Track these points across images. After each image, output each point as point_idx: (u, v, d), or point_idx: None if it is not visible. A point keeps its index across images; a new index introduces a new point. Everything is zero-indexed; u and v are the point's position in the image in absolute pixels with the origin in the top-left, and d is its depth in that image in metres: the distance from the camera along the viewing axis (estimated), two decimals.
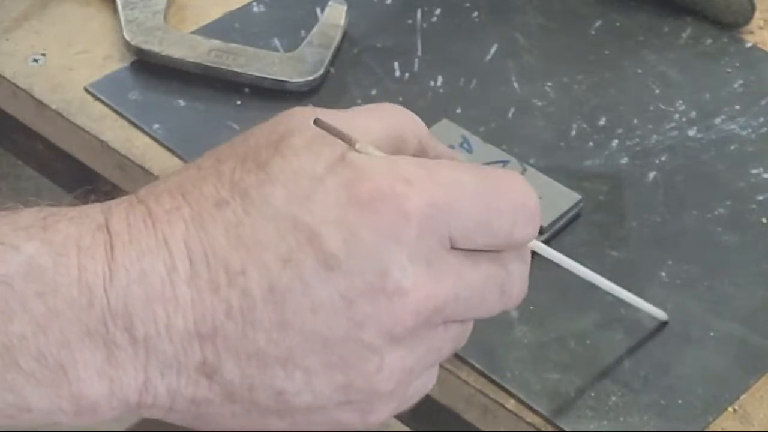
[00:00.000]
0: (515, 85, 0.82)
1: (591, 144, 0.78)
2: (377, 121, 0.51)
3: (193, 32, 0.84)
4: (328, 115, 0.50)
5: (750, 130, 0.79)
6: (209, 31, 0.85)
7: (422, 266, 0.47)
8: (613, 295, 0.68)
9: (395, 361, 0.48)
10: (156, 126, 0.78)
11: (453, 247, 0.48)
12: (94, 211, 0.49)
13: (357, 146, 0.48)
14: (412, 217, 0.46)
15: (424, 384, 0.52)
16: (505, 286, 0.50)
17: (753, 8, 0.85)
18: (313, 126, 0.49)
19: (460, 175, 0.48)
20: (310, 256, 0.46)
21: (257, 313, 0.46)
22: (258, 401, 0.48)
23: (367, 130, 0.50)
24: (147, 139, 0.78)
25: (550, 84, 0.82)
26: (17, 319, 0.45)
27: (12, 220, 0.48)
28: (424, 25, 0.86)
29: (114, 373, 0.46)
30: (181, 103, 0.80)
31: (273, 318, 0.46)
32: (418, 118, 0.53)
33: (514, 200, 0.49)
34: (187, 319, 0.46)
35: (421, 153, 0.52)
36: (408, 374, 0.49)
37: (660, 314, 0.66)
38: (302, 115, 0.50)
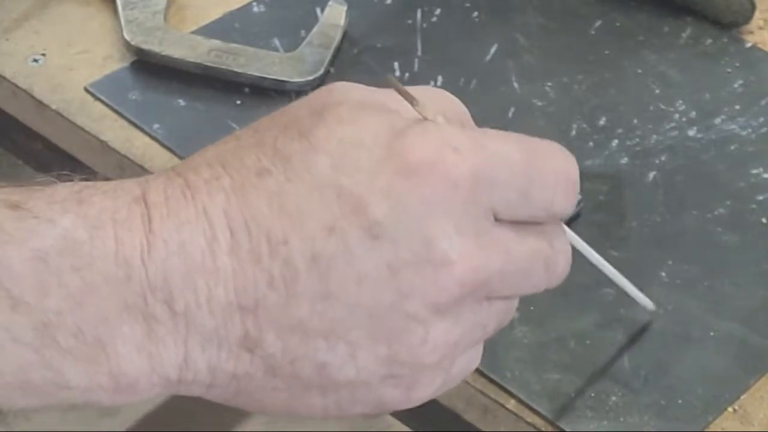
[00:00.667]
0: (515, 85, 0.82)
1: (591, 144, 0.78)
2: (430, 94, 0.50)
3: (193, 32, 0.84)
4: (369, 89, 0.49)
5: (750, 130, 0.79)
6: (209, 31, 0.85)
7: (469, 236, 0.46)
8: (612, 294, 0.69)
9: (440, 333, 0.47)
10: (156, 126, 0.78)
11: (497, 220, 0.47)
12: (130, 184, 0.48)
13: (418, 107, 0.47)
14: (460, 185, 0.46)
15: (469, 363, 0.51)
16: (549, 261, 0.50)
17: (753, 8, 0.85)
18: (357, 94, 0.48)
19: (505, 145, 0.48)
20: (355, 224, 0.45)
21: (300, 284, 0.45)
22: (300, 375, 0.47)
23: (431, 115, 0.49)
24: (147, 139, 0.78)
25: (550, 84, 0.82)
26: (53, 295, 0.44)
27: (46, 194, 0.46)
28: (424, 25, 0.86)
29: (154, 348, 0.45)
30: (181, 103, 0.80)
31: (316, 288, 0.45)
32: (459, 101, 0.52)
33: (555, 170, 0.49)
34: (228, 290, 0.45)
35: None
36: (453, 348, 0.48)
37: (648, 304, 0.66)
38: (345, 86, 0.49)
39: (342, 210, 0.45)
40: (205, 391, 0.48)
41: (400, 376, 0.47)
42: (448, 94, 0.52)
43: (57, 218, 0.45)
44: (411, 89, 0.50)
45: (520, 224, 0.48)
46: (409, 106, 0.48)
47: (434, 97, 0.51)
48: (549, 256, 0.50)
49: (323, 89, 0.50)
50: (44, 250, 0.45)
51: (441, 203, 0.46)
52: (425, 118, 0.48)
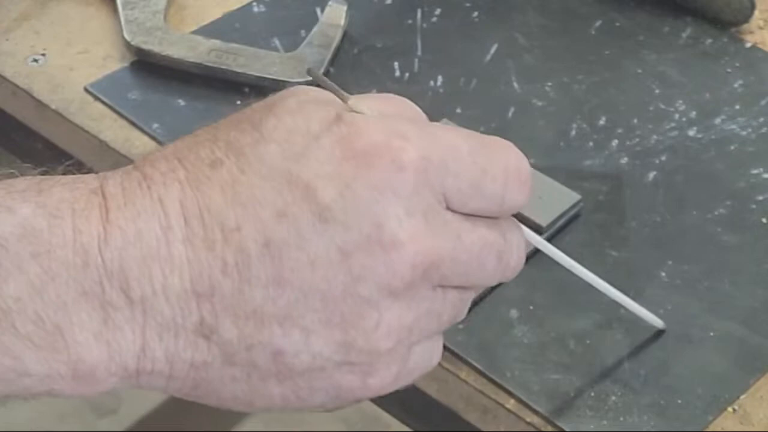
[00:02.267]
0: (515, 85, 0.82)
1: (591, 144, 0.78)
2: (376, 103, 0.51)
3: (193, 32, 0.84)
4: (324, 92, 0.50)
5: (750, 130, 0.79)
6: (209, 31, 0.85)
7: (419, 219, 0.47)
8: (610, 298, 0.69)
9: (393, 317, 0.48)
10: (156, 126, 0.78)
11: (449, 208, 0.48)
12: (89, 177, 0.49)
13: (349, 102, 0.48)
14: (408, 168, 0.47)
15: (427, 355, 0.51)
16: (503, 254, 0.50)
17: (753, 7, 0.85)
18: (308, 91, 0.49)
19: (456, 138, 0.49)
20: (305, 209, 0.46)
21: (253, 269, 0.46)
22: (257, 362, 0.47)
23: (359, 107, 0.50)
24: (147, 139, 0.78)
25: (550, 84, 0.82)
26: (12, 281, 0.45)
27: (7, 185, 0.48)
28: (424, 25, 0.86)
29: (111, 335, 0.46)
30: (181, 103, 0.80)
31: (269, 273, 0.46)
32: (419, 109, 0.53)
33: (507, 164, 0.50)
34: (183, 278, 0.46)
35: None
36: (407, 333, 0.48)
37: (657, 322, 0.66)
38: (299, 87, 0.51)
39: (292, 196, 0.46)
40: (165, 382, 0.48)
41: (355, 362, 0.48)
42: (405, 100, 0.53)
43: (17, 207, 0.46)
44: (370, 95, 0.51)
45: (472, 215, 0.49)
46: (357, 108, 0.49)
47: (388, 102, 0.52)
48: (502, 248, 0.50)
49: (277, 93, 0.51)
50: (4, 237, 0.46)
51: (389, 186, 0.46)
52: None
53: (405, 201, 0.47)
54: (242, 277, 0.46)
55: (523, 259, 0.52)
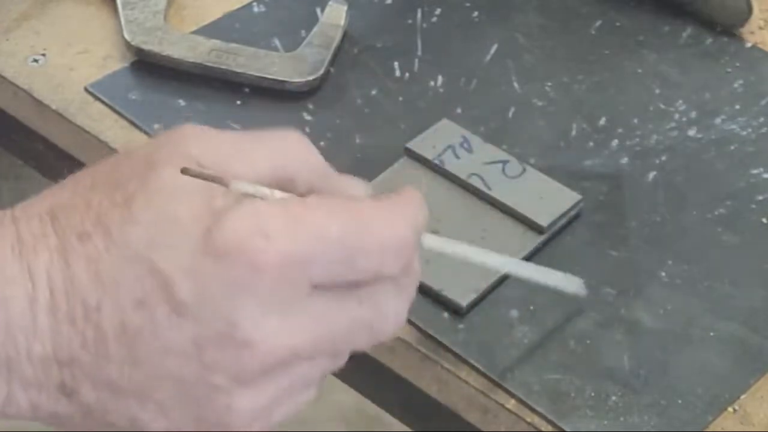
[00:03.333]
0: (515, 85, 0.82)
1: (591, 144, 0.78)
2: (265, 157, 0.51)
3: (193, 32, 0.84)
4: (214, 141, 0.50)
5: (750, 130, 0.79)
6: (209, 31, 0.85)
7: (274, 316, 0.48)
8: (612, 294, 0.69)
9: (245, 402, 0.49)
10: (156, 126, 0.78)
11: (317, 287, 0.48)
12: None
13: (231, 186, 0.48)
14: (265, 270, 0.47)
15: (295, 405, 0.52)
16: (374, 324, 0.50)
17: (749, 9, 0.85)
18: (194, 152, 0.49)
19: (326, 221, 0.48)
20: (162, 301, 0.47)
21: (110, 348, 0.48)
22: (115, 424, 0.49)
23: (252, 165, 0.50)
24: (147, 139, 0.78)
25: (550, 84, 0.82)
26: None
27: None
28: (424, 25, 0.86)
29: None
30: (181, 103, 0.80)
31: (124, 354, 0.48)
32: (313, 151, 0.52)
33: (383, 239, 0.49)
34: (45, 345, 0.48)
35: (309, 193, 0.51)
36: (263, 411, 0.50)
37: (573, 284, 0.62)
38: (186, 139, 0.50)
39: (152, 286, 0.47)
40: (30, 419, 0.50)
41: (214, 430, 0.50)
42: (302, 144, 0.52)
43: None
44: (262, 136, 0.51)
45: (343, 289, 0.49)
46: (249, 167, 0.49)
47: (281, 152, 0.51)
48: (373, 320, 0.50)
49: (171, 134, 0.51)
50: None
51: (245, 286, 0.47)
52: (243, 194, 0.48)
53: (261, 300, 0.47)
54: (99, 353, 0.48)
55: (403, 319, 0.51)
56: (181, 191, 0.48)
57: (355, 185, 0.53)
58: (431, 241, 0.52)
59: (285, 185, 0.50)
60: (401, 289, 0.51)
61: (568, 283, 0.61)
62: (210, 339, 0.47)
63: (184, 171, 0.48)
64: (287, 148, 0.52)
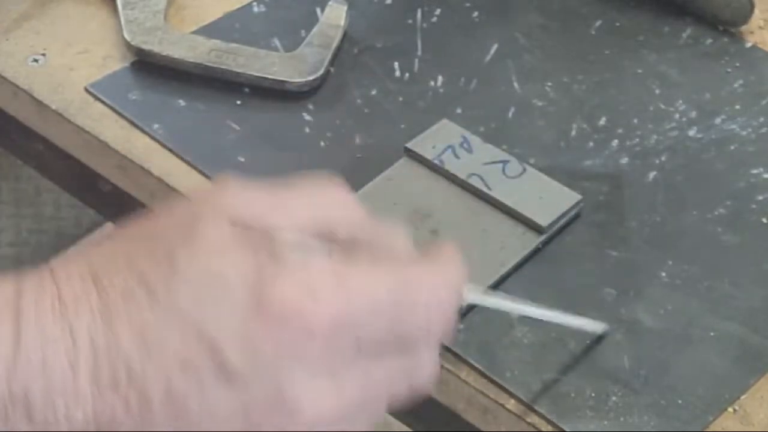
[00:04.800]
0: (515, 85, 0.82)
1: (591, 144, 0.78)
2: (305, 208, 0.50)
3: (193, 32, 0.84)
4: (255, 195, 0.50)
5: (750, 130, 0.79)
6: (209, 31, 0.85)
7: (323, 380, 0.47)
8: (612, 294, 0.69)
9: None
10: (156, 126, 0.78)
11: (362, 348, 0.48)
12: (5, 285, 0.49)
13: (280, 237, 0.47)
14: (317, 335, 0.47)
15: None
16: (413, 375, 0.51)
17: (752, 7, 0.85)
18: (236, 210, 0.48)
19: (374, 282, 0.48)
20: (209, 365, 0.47)
21: (155, 413, 0.47)
22: None
23: (293, 217, 0.50)
24: (147, 139, 0.78)
25: (550, 84, 0.82)
26: None
27: None
28: (424, 25, 0.86)
29: None
30: (181, 103, 0.80)
31: (170, 419, 0.47)
32: (352, 199, 0.52)
33: (428, 301, 0.49)
34: (86, 412, 0.47)
35: (351, 243, 0.51)
36: None
37: (599, 327, 0.66)
38: (228, 194, 0.50)
39: (199, 350, 0.47)
40: None
41: None
42: (341, 195, 0.52)
43: None
44: (302, 187, 0.51)
45: (384, 346, 0.49)
46: (289, 219, 0.49)
47: (321, 204, 0.51)
48: (413, 371, 0.51)
49: (211, 190, 0.50)
50: None
51: (296, 352, 0.47)
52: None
53: (310, 364, 0.47)
54: (144, 418, 0.47)
55: (436, 374, 0.52)
56: (226, 249, 0.48)
57: (395, 233, 0.53)
58: (472, 295, 0.55)
59: (326, 234, 0.50)
60: (432, 342, 0.52)
61: (593, 325, 0.65)
62: (258, 404, 0.47)
63: (234, 223, 0.47)
64: (327, 198, 0.52)
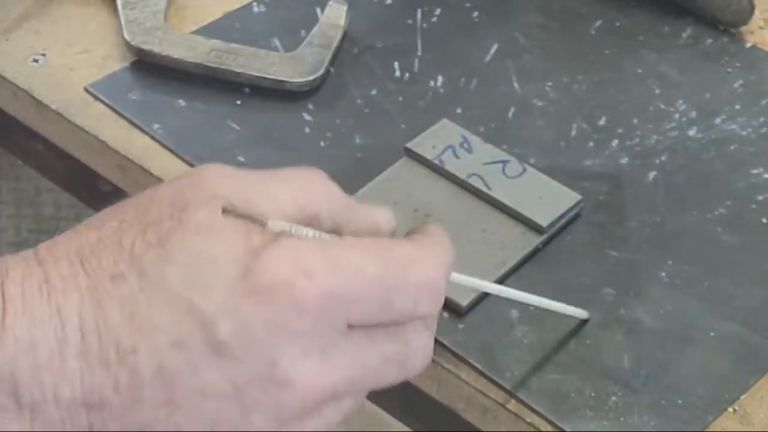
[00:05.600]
0: (515, 85, 0.82)
1: (591, 144, 0.78)
2: (289, 194, 0.51)
3: (193, 32, 0.84)
4: (239, 181, 0.50)
5: (750, 130, 0.79)
6: (209, 31, 0.85)
7: (315, 356, 0.48)
8: (612, 293, 0.69)
9: None
10: (156, 126, 0.78)
11: (351, 326, 0.49)
12: None
13: (269, 225, 0.48)
14: (308, 310, 0.47)
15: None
16: (405, 361, 0.51)
17: (752, 8, 0.85)
18: (224, 192, 0.49)
19: (363, 260, 0.49)
20: (201, 341, 0.47)
21: (145, 391, 0.47)
22: None
23: (278, 202, 0.50)
24: (147, 139, 0.78)
25: (550, 84, 0.82)
26: None
27: None
28: (424, 25, 0.86)
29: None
30: (181, 103, 0.80)
31: (161, 397, 0.47)
32: (334, 186, 0.53)
33: (417, 280, 0.50)
34: (74, 389, 0.47)
35: (335, 228, 0.52)
36: None
37: (582, 314, 0.66)
38: (215, 177, 0.50)
39: (189, 325, 0.47)
40: None
41: None
42: (323, 181, 0.53)
43: None
44: (284, 175, 0.51)
45: (375, 327, 0.50)
46: (275, 204, 0.49)
47: (304, 189, 0.51)
48: (404, 356, 0.51)
49: (194, 175, 0.50)
50: None
51: (287, 327, 0.47)
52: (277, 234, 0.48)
53: (302, 340, 0.47)
54: (134, 396, 0.47)
55: (430, 355, 0.52)
56: (217, 230, 0.48)
57: (378, 214, 0.54)
58: (459, 278, 0.55)
59: (311, 221, 0.51)
60: (428, 325, 0.52)
61: (576, 311, 0.66)
62: (249, 379, 0.47)
63: (226, 210, 0.48)
64: (309, 184, 0.52)
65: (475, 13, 0.87)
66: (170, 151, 0.77)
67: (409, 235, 0.54)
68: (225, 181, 0.50)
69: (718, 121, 0.80)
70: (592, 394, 0.64)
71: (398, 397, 0.71)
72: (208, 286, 0.47)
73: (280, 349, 0.47)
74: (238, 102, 0.80)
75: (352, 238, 0.50)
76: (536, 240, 0.71)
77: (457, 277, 0.55)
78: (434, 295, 0.51)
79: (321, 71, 0.81)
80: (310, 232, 0.49)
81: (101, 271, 0.48)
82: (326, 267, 0.48)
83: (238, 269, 0.47)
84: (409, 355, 0.51)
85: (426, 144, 0.75)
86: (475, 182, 0.73)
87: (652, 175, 0.76)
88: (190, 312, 0.47)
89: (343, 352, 0.49)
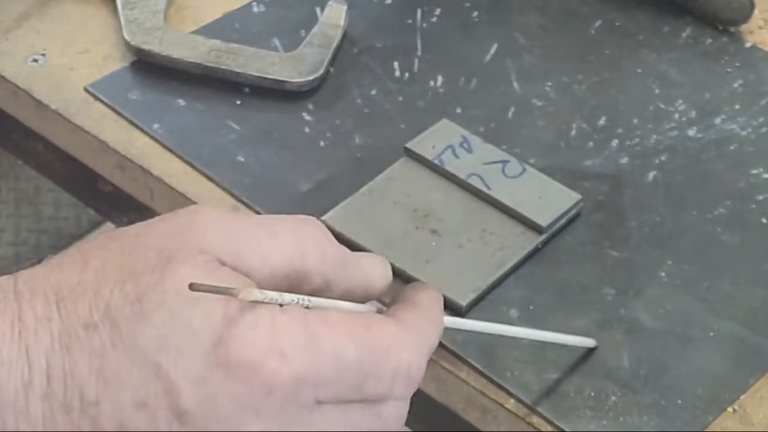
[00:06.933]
0: (515, 85, 0.82)
1: (591, 144, 0.78)
2: (280, 248, 0.50)
3: (193, 32, 0.84)
4: (230, 232, 0.49)
5: (750, 130, 0.79)
6: (209, 31, 0.85)
7: None
8: (612, 293, 0.69)
9: None
10: (156, 126, 0.78)
11: (322, 402, 0.48)
12: None
13: (240, 296, 0.46)
14: (276, 392, 0.47)
15: None
16: (376, 426, 0.50)
17: (752, 5, 0.85)
18: (211, 244, 0.48)
19: (342, 343, 0.48)
20: (164, 406, 0.46)
21: None
22: None
23: (267, 257, 0.49)
24: (147, 139, 0.78)
25: (550, 84, 0.82)
26: None
27: None
28: (424, 25, 0.86)
29: None
30: (181, 103, 0.80)
31: None
32: (329, 239, 0.52)
33: (396, 366, 0.49)
34: (36, 429, 0.47)
35: (325, 285, 0.51)
36: None
37: (589, 342, 0.66)
38: (203, 228, 0.49)
39: (155, 389, 0.46)
40: None
41: None
42: (318, 235, 0.51)
43: None
44: (280, 225, 0.50)
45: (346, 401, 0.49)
46: (263, 260, 0.49)
47: (296, 243, 0.50)
48: (375, 427, 0.50)
49: (187, 218, 0.50)
50: None
51: (253, 405, 0.46)
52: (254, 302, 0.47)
53: (266, 418, 0.47)
54: None
55: (404, 419, 0.52)
56: (194, 295, 0.47)
57: (372, 269, 0.53)
58: (456, 322, 0.56)
59: (301, 277, 0.50)
60: (404, 397, 0.51)
61: (583, 341, 0.65)
62: None
63: (193, 287, 0.46)
64: (302, 238, 0.51)
65: (475, 13, 0.87)
66: (170, 151, 0.77)
67: (400, 303, 0.53)
68: (214, 232, 0.49)
69: (717, 121, 0.80)
70: (592, 394, 0.64)
71: None
72: (179, 351, 0.46)
73: (242, 425, 0.47)
74: (238, 102, 0.80)
75: (334, 314, 0.49)
76: (536, 240, 0.71)
77: (455, 321, 0.55)
78: (410, 380, 0.50)
79: (321, 71, 0.81)
80: (289, 297, 0.48)
81: (75, 318, 0.47)
82: (302, 349, 0.47)
83: (211, 338, 0.46)
84: (382, 425, 0.50)
85: (426, 144, 0.75)
86: (475, 182, 0.73)
87: (651, 175, 0.76)
88: (158, 375, 0.46)
89: (311, 425, 0.48)
